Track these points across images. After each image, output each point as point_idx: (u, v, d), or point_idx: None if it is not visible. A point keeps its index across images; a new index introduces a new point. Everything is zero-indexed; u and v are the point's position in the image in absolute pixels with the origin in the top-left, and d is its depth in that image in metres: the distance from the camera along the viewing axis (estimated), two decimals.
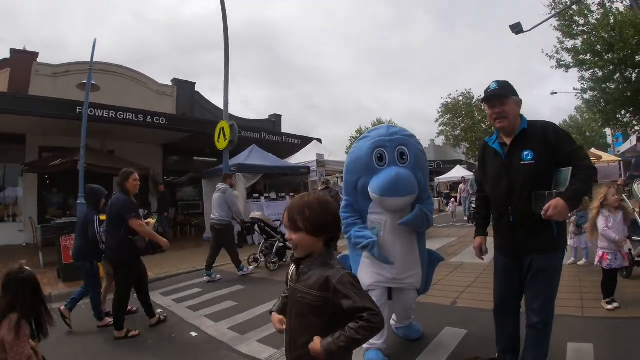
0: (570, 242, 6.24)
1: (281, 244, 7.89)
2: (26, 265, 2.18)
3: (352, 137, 36.71)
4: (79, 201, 8.19)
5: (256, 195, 12.20)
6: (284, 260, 7.95)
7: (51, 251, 7.83)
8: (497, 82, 2.56)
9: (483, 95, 2.64)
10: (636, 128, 18.38)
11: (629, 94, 15.84)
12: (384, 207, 3.14)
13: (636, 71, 15.23)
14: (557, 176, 2.37)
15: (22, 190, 13.11)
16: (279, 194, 12.42)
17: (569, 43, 16.59)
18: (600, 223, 4.42)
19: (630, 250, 4.97)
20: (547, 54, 17.21)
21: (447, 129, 35.08)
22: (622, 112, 17.50)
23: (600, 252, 4.46)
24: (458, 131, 34.41)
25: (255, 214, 8.60)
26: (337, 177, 16.76)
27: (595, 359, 3.08)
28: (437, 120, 35.24)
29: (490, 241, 2.85)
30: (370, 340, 3.15)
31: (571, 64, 16.60)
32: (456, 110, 34.20)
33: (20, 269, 2.11)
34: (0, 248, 11.27)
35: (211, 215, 7.54)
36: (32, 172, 12.24)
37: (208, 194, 12.56)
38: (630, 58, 14.55)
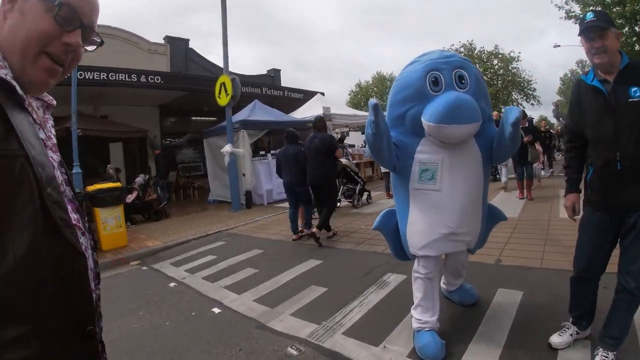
0: None
1: (361, 187, 9.13)
2: None
3: (352, 91, 35.52)
4: (74, 171, 7.45)
5: (262, 152, 11.48)
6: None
7: None
8: (594, 12, 2.23)
9: (580, 27, 2.23)
10: None
11: (637, 48, 15.53)
12: (442, 138, 2.51)
13: None
14: None
15: None
16: None
17: None
18: None
19: None
20: (556, 5, 16.39)
21: None
22: None
23: None
24: None
25: (342, 161, 8.66)
26: (347, 130, 16.08)
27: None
28: None
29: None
30: (420, 317, 2.70)
31: (580, 15, 15.78)
32: None
33: None
34: None
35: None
36: None
37: (210, 155, 11.87)
38: None
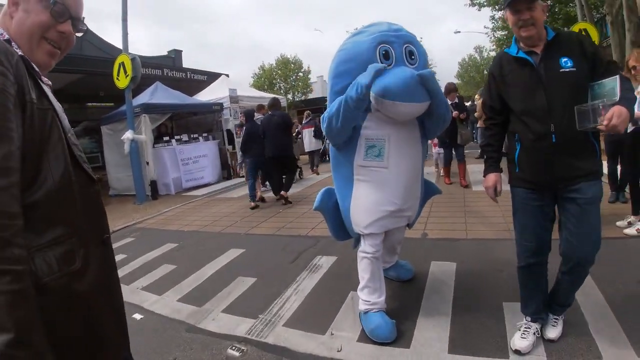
0: None
1: None
2: None
3: (255, 73, 34.57)
4: None
5: (166, 138, 10.60)
6: None
7: None
8: None
9: (506, 0, 2.11)
10: None
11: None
12: (392, 114, 2.41)
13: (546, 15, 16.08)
14: (598, 89, 1.99)
15: None
16: (192, 136, 10.97)
17: None
18: None
19: None
20: None
21: None
22: None
23: None
24: None
25: None
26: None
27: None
28: None
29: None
30: (368, 299, 2.60)
31: (484, 3, 16.84)
32: None
33: None
34: None
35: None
36: None
37: (110, 144, 10.62)
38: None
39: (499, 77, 2.23)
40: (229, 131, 11.64)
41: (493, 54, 21.11)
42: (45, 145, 1.01)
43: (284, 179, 7.33)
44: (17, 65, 0.99)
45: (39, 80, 1.08)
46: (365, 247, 2.68)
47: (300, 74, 34.06)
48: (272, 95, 12.52)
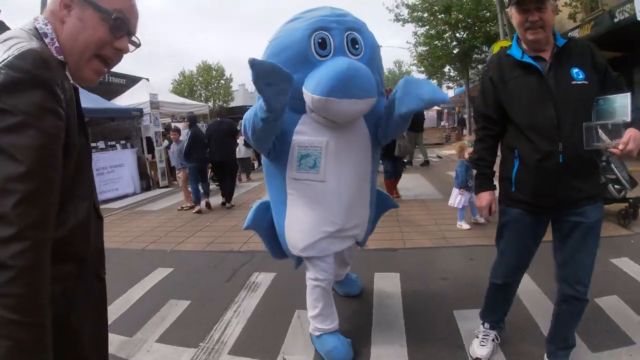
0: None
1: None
2: None
3: (175, 80, 33.05)
4: None
5: None
6: None
7: None
8: None
9: None
10: (461, 82, 20.71)
11: (454, 53, 17.71)
12: (329, 115, 2.06)
13: (466, 33, 16.89)
14: (604, 104, 1.80)
15: None
16: (108, 143, 10.09)
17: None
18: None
19: None
20: (387, 7, 17.95)
21: None
22: (448, 68, 19.72)
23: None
24: None
25: None
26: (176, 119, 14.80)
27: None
28: None
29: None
30: (321, 327, 2.41)
31: (408, 20, 17.59)
32: None
33: None
34: None
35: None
36: None
37: None
38: (463, 21, 16.03)
39: (499, 82, 1.94)
40: (148, 139, 10.90)
41: (413, 67, 22.24)
42: (75, 187, 0.99)
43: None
44: (70, 98, 0.92)
45: (81, 110, 1.02)
46: (316, 274, 2.39)
47: (222, 81, 33.28)
48: (194, 102, 12.05)
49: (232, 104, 32.11)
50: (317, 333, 2.49)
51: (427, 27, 17.71)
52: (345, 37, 2.11)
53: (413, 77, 2.31)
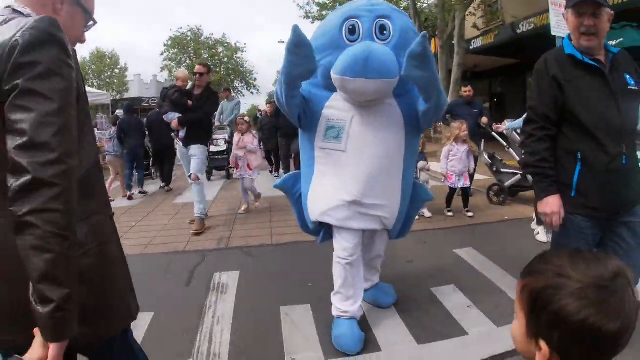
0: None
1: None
2: None
3: None
4: None
5: None
6: None
7: None
8: None
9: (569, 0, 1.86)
10: None
11: None
12: (348, 93, 2.23)
13: None
14: None
15: None
16: None
17: None
18: (445, 150, 5.20)
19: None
20: (298, 4, 17.73)
21: (172, 64, 31.82)
22: None
23: (446, 172, 5.25)
24: (183, 67, 32.16)
25: None
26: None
27: None
28: (162, 54, 31.38)
29: None
30: (339, 306, 2.47)
31: (318, 17, 17.56)
32: (184, 46, 31.23)
33: None
34: None
35: None
36: None
37: None
38: None
39: (564, 81, 1.88)
40: None
41: None
42: (84, 132, 1.11)
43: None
44: (75, 55, 1.07)
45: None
46: (338, 251, 2.48)
47: (117, 70, 30.37)
48: (95, 91, 10.91)
49: (127, 95, 29.45)
50: (335, 313, 2.52)
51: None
52: (374, 24, 2.25)
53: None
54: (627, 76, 1.87)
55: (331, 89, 2.35)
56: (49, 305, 0.87)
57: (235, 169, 6.00)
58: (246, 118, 6.23)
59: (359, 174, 2.31)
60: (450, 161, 5.18)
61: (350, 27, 2.23)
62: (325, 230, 2.61)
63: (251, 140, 5.87)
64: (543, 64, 1.97)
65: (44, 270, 0.86)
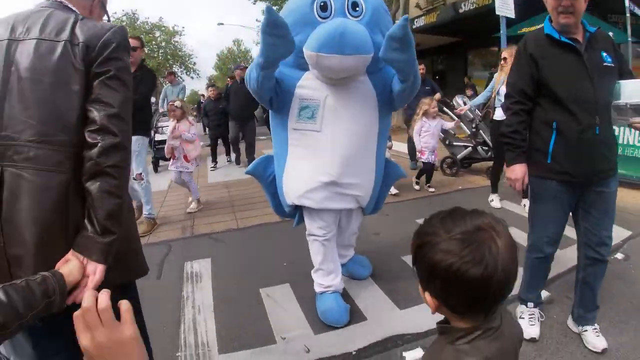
0: None
1: None
2: None
3: None
4: None
5: None
6: None
7: None
8: None
9: None
10: None
11: None
12: (323, 71, 2.17)
13: None
14: (624, 87, 1.97)
15: None
16: None
17: None
18: (417, 127, 5.21)
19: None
20: None
21: None
22: None
23: (420, 149, 5.31)
24: None
25: None
26: None
27: None
28: None
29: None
30: (322, 282, 2.54)
31: None
32: None
33: None
34: None
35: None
36: None
37: None
38: None
39: (540, 58, 2.02)
40: None
41: (253, 45, 22.20)
42: None
43: None
44: None
45: None
46: (313, 229, 2.50)
47: None
48: None
49: None
50: (318, 289, 2.57)
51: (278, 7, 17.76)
52: (346, 0, 2.20)
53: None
54: (604, 54, 1.99)
55: (302, 67, 2.28)
56: (110, 237, 1.10)
57: (171, 160, 5.09)
58: (177, 103, 5.15)
59: (335, 154, 2.30)
60: (423, 137, 5.21)
61: (322, 4, 2.17)
62: (300, 213, 2.62)
63: (187, 128, 5.00)
64: (523, 44, 2.12)
65: (112, 210, 1.11)
